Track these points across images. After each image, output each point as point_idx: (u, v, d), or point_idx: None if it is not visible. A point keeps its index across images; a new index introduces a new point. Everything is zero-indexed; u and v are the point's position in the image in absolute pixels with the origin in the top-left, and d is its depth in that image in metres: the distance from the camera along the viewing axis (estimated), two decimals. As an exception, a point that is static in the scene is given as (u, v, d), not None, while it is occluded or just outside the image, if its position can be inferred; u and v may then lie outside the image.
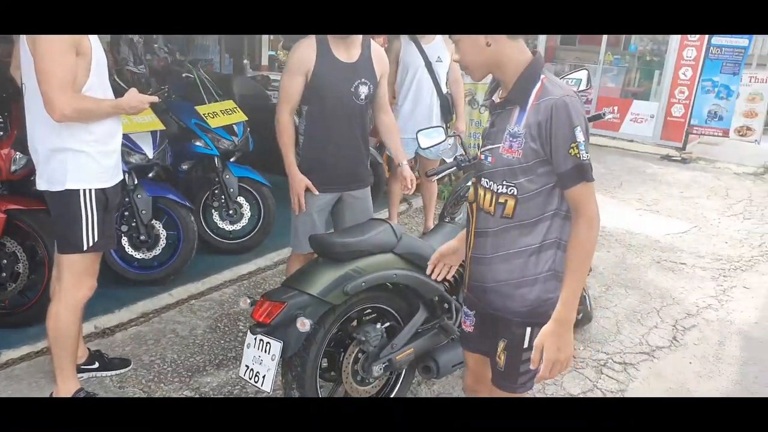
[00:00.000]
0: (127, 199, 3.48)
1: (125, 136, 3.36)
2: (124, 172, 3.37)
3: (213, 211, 4.14)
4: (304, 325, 2.07)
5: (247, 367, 2.18)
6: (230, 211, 4.08)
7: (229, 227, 4.17)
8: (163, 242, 3.64)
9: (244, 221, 4.18)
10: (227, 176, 4.05)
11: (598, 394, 2.99)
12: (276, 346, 2.10)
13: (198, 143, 3.97)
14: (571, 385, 3.05)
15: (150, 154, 3.49)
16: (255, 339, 2.16)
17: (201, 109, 3.97)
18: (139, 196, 3.50)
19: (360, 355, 2.41)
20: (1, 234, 2.96)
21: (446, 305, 2.60)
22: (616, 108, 9.09)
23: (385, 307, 2.50)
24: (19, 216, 3.00)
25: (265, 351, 2.13)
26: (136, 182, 3.48)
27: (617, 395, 2.99)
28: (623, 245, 5.10)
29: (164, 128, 3.60)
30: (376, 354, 2.39)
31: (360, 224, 2.49)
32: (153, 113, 3.61)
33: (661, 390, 3.08)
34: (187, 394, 2.79)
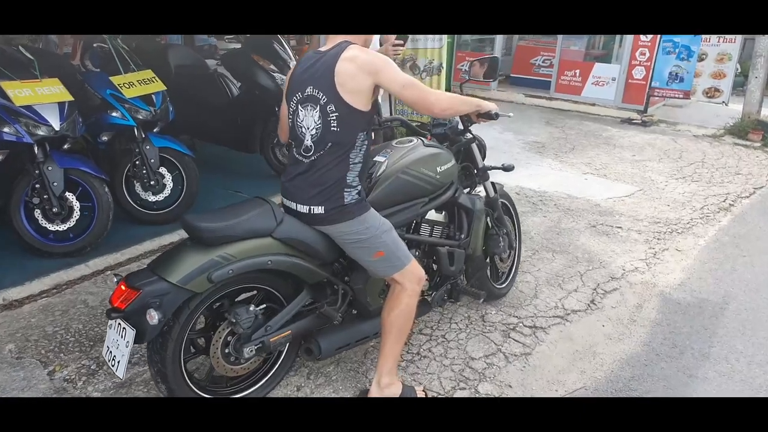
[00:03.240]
0: (37, 172, 3.45)
1: (30, 108, 3.32)
2: (31, 144, 3.35)
3: (135, 182, 4.09)
4: (152, 318, 2.02)
5: (108, 348, 2.15)
6: (152, 182, 4.04)
7: (152, 198, 4.13)
8: (77, 214, 3.61)
9: (166, 192, 4.14)
10: (147, 147, 4.00)
11: (501, 358, 3.02)
12: (130, 334, 2.06)
13: (114, 114, 3.91)
14: (475, 349, 3.08)
15: (56, 125, 3.43)
16: (115, 321, 2.12)
17: (116, 80, 3.90)
18: (49, 168, 3.46)
19: (230, 336, 2.38)
20: None
21: (334, 288, 2.56)
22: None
23: (266, 287, 2.46)
24: None
25: (122, 336, 2.09)
26: (45, 154, 3.44)
27: (520, 359, 3.02)
28: (561, 210, 5.10)
29: (72, 99, 3.54)
30: (248, 336, 2.36)
31: (238, 204, 2.37)
32: (61, 84, 3.54)
33: (567, 352, 3.11)
34: (86, 363, 2.79)
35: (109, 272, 3.58)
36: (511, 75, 10.27)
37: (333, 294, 2.57)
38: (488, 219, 3.22)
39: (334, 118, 2.22)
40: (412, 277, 2.47)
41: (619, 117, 8.59)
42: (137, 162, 4.04)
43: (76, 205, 3.60)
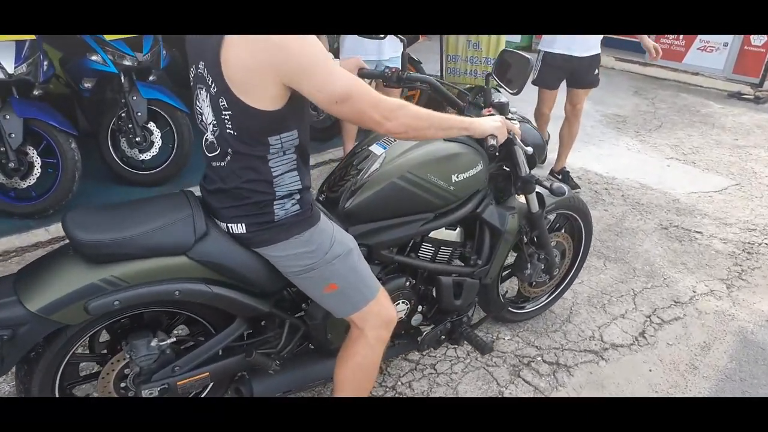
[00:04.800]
0: (-7, 120, 3.02)
1: (-21, 47, 2.86)
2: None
3: (121, 137, 3.61)
4: None
5: None
6: (137, 138, 3.54)
7: (139, 156, 3.64)
8: (37, 171, 3.17)
9: (154, 150, 3.63)
10: (134, 98, 3.49)
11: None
12: None
13: (94, 58, 3.40)
14: (469, 388, 2.39)
15: (10, 68, 2.96)
16: None
17: (97, 17, 3.37)
18: (6, 117, 3.02)
19: (128, 369, 1.83)
20: None
21: (279, 322, 1.93)
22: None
23: (185, 313, 1.87)
24: None
25: None
26: (3, 101, 3.00)
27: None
28: (629, 203, 4.19)
29: (33, 38, 3.05)
30: (149, 375, 1.79)
31: (150, 201, 1.73)
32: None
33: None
34: None
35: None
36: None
37: (278, 327, 1.94)
38: (524, 236, 2.41)
39: (228, 117, 1.49)
40: (376, 320, 1.81)
41: (726, 90, 7.27)
42: (123, 115, 3.54)
43: (37, 161, 3.16)
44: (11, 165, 3.08)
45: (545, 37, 4.02)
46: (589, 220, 2.74)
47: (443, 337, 2.30)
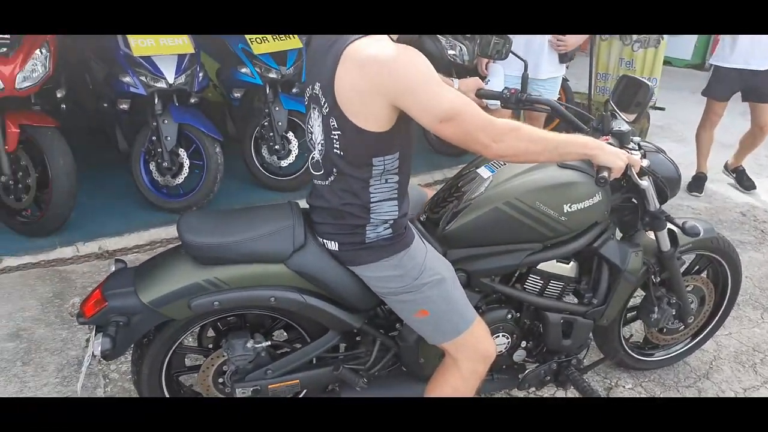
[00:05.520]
0: (155, 124, 3.37)
1: (148, 59, 3.22)
2: (144, 95, 3.28)
3: (262, 144, 3.85)
4: (103, 344, 1.61)
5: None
6: (277, 146, 3.75)
7: (278, 163, 3.85)
8: (185, 171, 3.48)
9: (291, 158, 3.82)
10: (277, 108, 3.71)
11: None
12: (92, 345, 1.67)
13: (243, 70, 3.67)
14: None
15: (171, 79, 3.29)
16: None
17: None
18: (165, 121, 3.37)
19: (226, 366, 1.91)
20: (15, 148, 3.06)
21: (371, 340, 1.91)
22: None
23: (284, 318, 1.92)
24: (30, 131, 3.05)
25: (90, 343, 1.73)
26: (163, 107, 3.36)
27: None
28: (801, 246, 3.61)
29: (193, 51, 3.36)
30: (243, 374, 1.86)
31: (257, 210, 1.82)
32: (186, 35, 3.38)
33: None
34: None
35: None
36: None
37: (369, 345, 1.92)
38: (653, 277, 2.14)
39: (336, 137, 1.51)
40: (470, 352, 1.73)
41: None
42: (266, 124, 3.78)
43: (186, 162, 3.46)
44: (165, 164, 3.42)
45: (718, 51, 3.95)
46: (736, 264, 2.38)
47: (548, 377, 2.12)
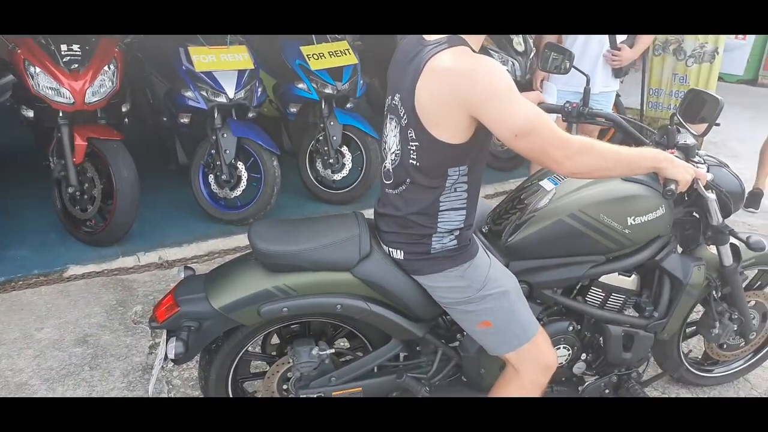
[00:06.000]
0: (214, 138, 3.50)
1: (209, 75, 3.36)
2: (205, 110, 3.40)
3: (317, 157, 3.95)
4: (177, 347, 1.68)
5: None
6: (331, 160, 3.84)
7: (331, 176, 3.94)
8: (244, 184, 3.57)
9: (345, 171, 3.89)
10: (332, 123, 3.80)
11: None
12: (163, 350, 1.77)
13: (300, 86, 3.78)
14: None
15: (231, 93, 3.41)
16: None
17: (306, 50, 3.74)
18: (224, 135, 3.48)
19: (290, 373, 1.97)
20: (82, 160, 3.21)
21: (433, 348, 1.95)
22: None
23: (348, 327, 1.97)
24: (96, 144, 3.20)
25: (161, 347, 1.82)
26: (222, 121, 3.48)
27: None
28: None
29: (253, 67, 3.48)
30: (308, 381, 1.91)
31: (323, 220, 1.89)
32: (246, 51, 3.51)
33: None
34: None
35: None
36: None
37: (430, 354, 1.96)
38: (714, 291, 2.14)
39: (414, 148, 1.56)
40: (532, 363, 1.76)
41: None
42: (321, 138, 3.87)
43: (245, 174, 3.56)
44: (224, 177, 3.52)
45: None
46: None
47: (607, 390, 2.12)
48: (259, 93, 3.58)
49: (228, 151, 3.47)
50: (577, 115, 2.10)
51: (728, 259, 2.05)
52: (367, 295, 1.78)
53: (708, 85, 4.27)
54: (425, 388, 1.94)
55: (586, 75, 2.26)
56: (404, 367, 1.97)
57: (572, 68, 2.27)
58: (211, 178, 3.60)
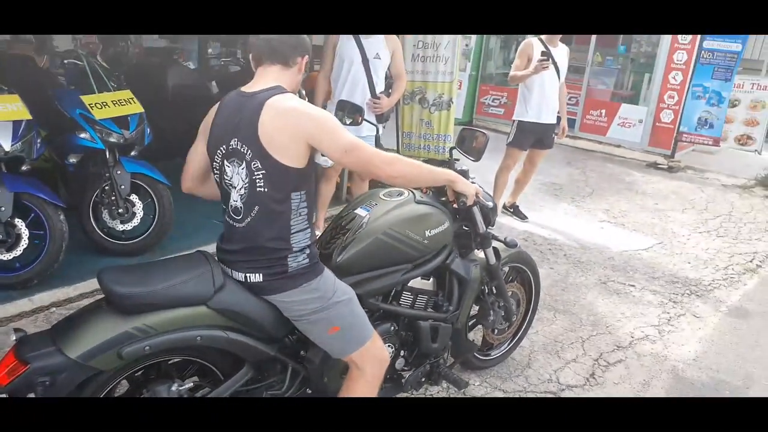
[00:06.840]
0: (-15, 194, 3.17)
1: (-20, 125, 3.06)
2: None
3: (103, 209, 3.78)
4: None
5: None
6: (120, 210, 3.74)
7: (120, 227, 3.81)
8: (25, 242, 3.29)
9: (136, 221, 3.82)
10: (118, 172, 3.71)
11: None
12: None
13: (83, 135, 3.63)
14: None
15: (7, 146, 3.16)
16: None
17: (87, 99, 3.63)
18: (-4, 191, 3.18)
19: None
20: None
21: (283, 367, 2.18)
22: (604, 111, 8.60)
23: (199, 360, 2.08)
24: None
25: None
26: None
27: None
28: (571, 261, 4.66)
29: (30, 118, 3.27)
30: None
31: (172, 260, 2.03)
32: (20, 101, 3.28)
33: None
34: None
35: (53, 309, 3.25)
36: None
37: (280, 373, 2.19)
38: (485, 287, 2.79)
39: (261, 176, 1.86)
40: (372, 359, 2.10)
41: (645, 161, 8.10)
42: (106, 187, 3.74)
43: (25, 232, 3.29)
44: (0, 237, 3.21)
45: (517, 109, 4.96)
46: (536, 271, 3.16)
47: (423, 378, 2.59)
48: (38, 145, 3.35)
49: (3, 209, 3.17)
50: None
51: (492, 259, 2.71)
52: (224, 324, 1.95)
53: (447, 128, 5.21)
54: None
55: (375, 125, 2.76)
56: (259, 390, 2.16)
57: (364, 120, 2.76)
58: (-19, 239, 3.23)
